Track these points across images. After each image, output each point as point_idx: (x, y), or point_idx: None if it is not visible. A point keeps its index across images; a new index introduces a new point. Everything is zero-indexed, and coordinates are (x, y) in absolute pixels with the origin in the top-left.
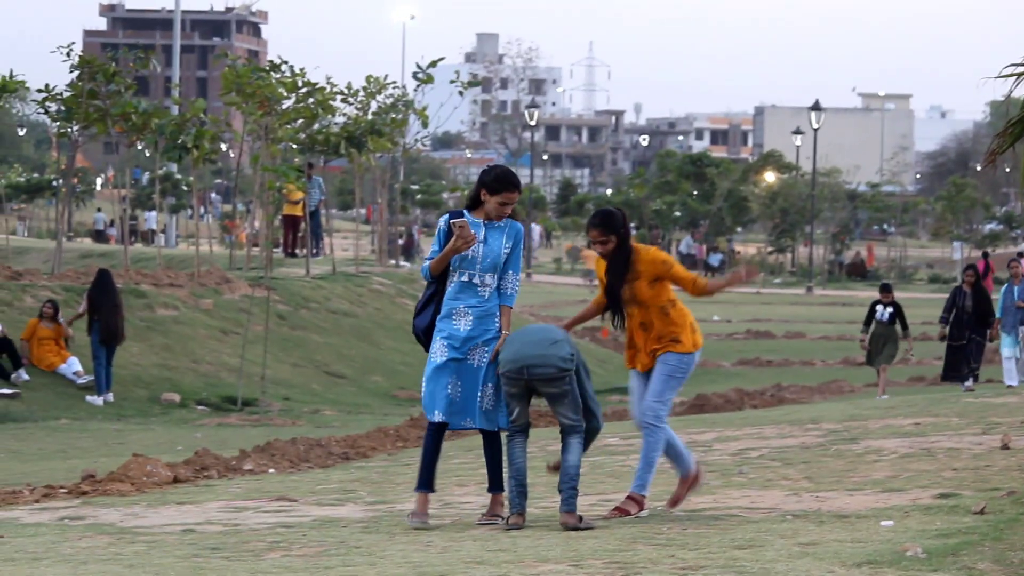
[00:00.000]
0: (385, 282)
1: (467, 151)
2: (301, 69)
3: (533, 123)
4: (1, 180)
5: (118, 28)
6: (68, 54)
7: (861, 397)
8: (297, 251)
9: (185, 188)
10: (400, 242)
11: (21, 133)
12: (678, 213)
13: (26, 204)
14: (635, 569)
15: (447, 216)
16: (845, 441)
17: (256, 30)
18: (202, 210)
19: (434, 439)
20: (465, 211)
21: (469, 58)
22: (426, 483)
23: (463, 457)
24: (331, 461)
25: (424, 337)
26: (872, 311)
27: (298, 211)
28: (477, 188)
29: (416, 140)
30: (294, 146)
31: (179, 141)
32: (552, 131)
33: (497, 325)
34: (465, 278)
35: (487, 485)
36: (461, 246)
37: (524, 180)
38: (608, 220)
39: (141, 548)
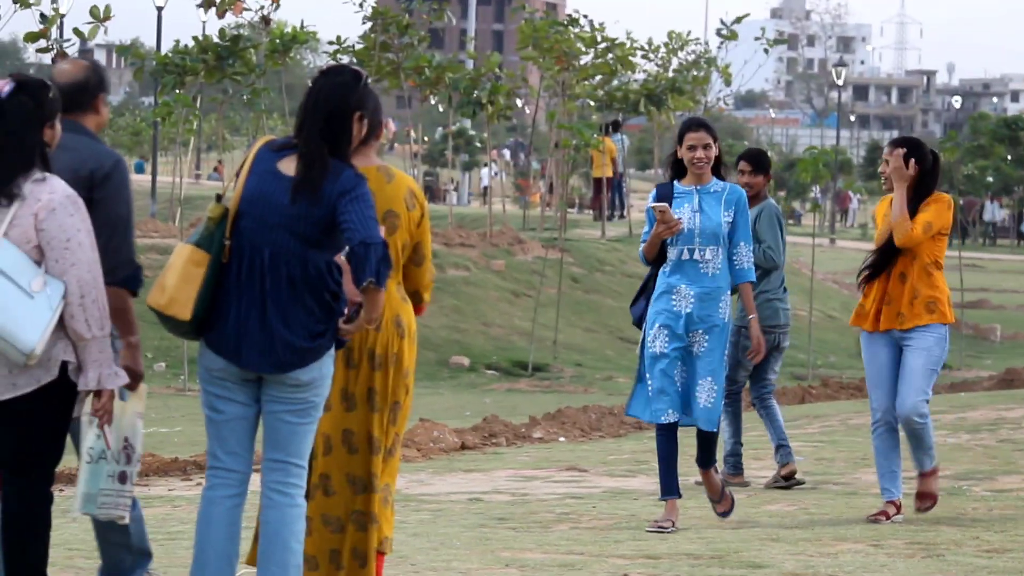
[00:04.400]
0: None
1: (771, 111)
2: (601, 24)
3: (840, 82)
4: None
5: None
6: (361, 5)
7: None
8: (613, 213)
9: (479, 145)
10: None
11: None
12: (990, 179)
13: None
14: (937, 551)
15: (654, 192)
16: None
17: None
18: (494, 168)
19: (668, 440)
20: (675, 182)
21: (775, 14)
22: (673, 489)
23: (759, 429)
24: (623, 431)
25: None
26: None
27: (606, 171)
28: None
29: (718, 99)
30: (592, 103)
31: (473, 96)
32: (860, 91)
33: (722, 310)
34: (685, 255)
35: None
36: (663, 232)
37: (829, 142)
38: (915, 142)
39: (426, 516)
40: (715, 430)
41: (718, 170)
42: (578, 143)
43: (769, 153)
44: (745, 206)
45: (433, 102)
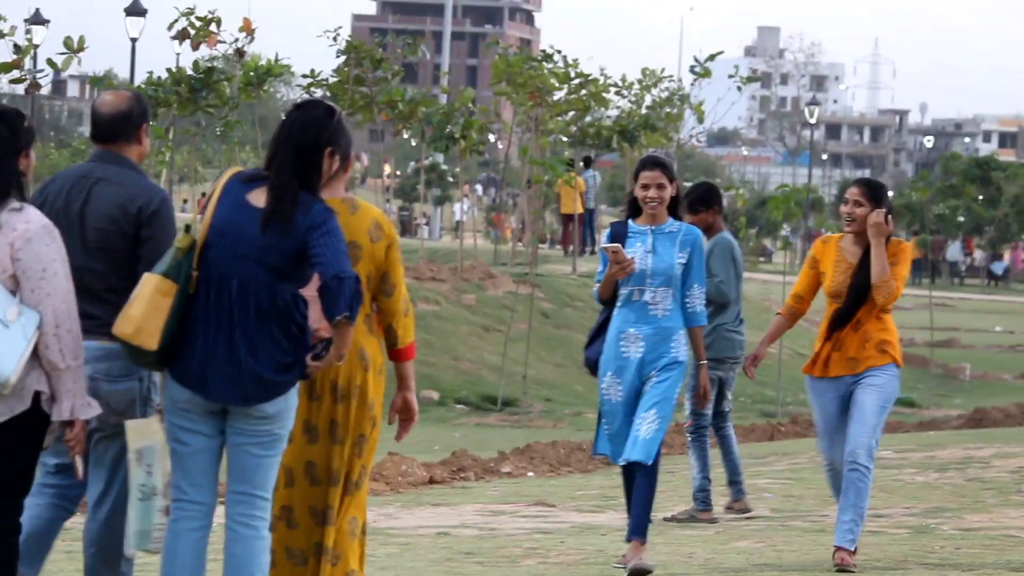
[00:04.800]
0: None
1: (744, 148)
2: (574, 60)
3: (813, 121)
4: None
5: (388, 13)
6: (335, 38)
7: None
8: (584, 248)
9: (451, 180)
10: None
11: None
12: (961, 218)
13: None
14: None
15: (609, 230)
16: None
17: (529, 18)
18: (466, 203)
19: (631, 481)
20: (630, 220)
21: (749, 52)
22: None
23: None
24: (592, 466)
25: (595, 370)
26: None
27: (576, 207)
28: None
29: (691, 136)
30: (564, 139)
31: (446, 131)
32: (833, 130)
33: (676, 348)
34: (635, 295)
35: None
36: (617, 272)
37: (801, 180)
38: (878, 186)
39: (394, 550)
40: (649, 462)
41: (675, 210)
42: (550, 178)
43: (740, 191)
44: (701, 248)
45: (406, 136)
